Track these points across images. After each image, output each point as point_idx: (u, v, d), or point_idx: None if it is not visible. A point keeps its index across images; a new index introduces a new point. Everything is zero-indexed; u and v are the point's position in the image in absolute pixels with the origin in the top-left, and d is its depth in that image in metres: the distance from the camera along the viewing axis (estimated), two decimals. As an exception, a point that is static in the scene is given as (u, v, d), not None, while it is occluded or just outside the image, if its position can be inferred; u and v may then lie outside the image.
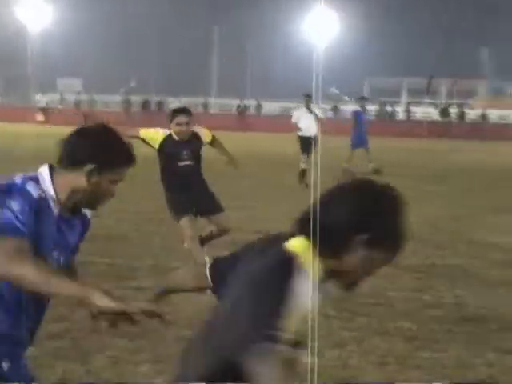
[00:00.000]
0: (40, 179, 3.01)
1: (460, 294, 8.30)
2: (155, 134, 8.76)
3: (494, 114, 58.53)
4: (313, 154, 16.26)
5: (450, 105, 62.12)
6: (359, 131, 22.07)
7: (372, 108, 58.00)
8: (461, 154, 32.52)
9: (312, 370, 2.49)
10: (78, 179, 3.00)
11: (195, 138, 8.71)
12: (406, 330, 6.95)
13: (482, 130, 49.55)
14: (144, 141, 8.68)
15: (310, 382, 2.48)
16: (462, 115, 58.34)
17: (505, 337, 6.81)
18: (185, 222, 8.63)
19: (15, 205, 2.84)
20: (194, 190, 8.69)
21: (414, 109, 63.32)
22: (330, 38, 62.64)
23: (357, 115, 22.84)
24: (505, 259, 10.31)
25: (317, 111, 18.66)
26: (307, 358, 2.61)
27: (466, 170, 24.77)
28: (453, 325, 7.15)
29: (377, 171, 20.44)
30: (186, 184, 8.71)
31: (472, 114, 59.36)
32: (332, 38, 63.77)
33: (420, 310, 7.66)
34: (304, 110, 18.88)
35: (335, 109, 57.79)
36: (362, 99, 24.80)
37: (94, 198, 3.12)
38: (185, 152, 8.60)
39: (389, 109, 60.23)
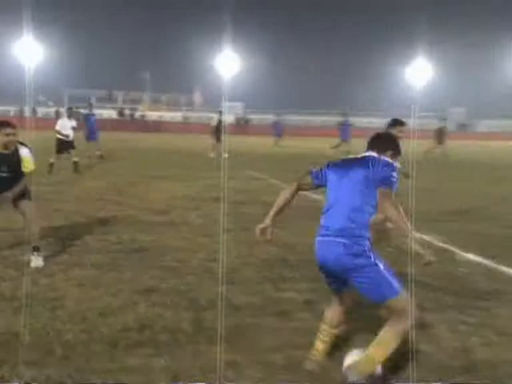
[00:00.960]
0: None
1: (134, 234, 8.30)
2: None
3: (153, 116, 60.68)
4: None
5: (124, 108, 62.84)
6: (91, 128, 21.50)
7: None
8: (134, 141, 32.87)
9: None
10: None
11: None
12: (97, 259, 6.79)
13: (146, 126, 51.27)
14: None
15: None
16: (132, 116, 59.48)
17: (164, 258, 6.97)
18: None
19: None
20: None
21: (100, 111, 63.45)
22: (40, 57, 59.96)
23: (88, 116, 22.38)
24: (163, 208, 10.58)
25: (73, 121, 17.29)
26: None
27: (139, 151, 25.04)
28: (127, 254, 7.15)
29: (101, 157, 20.30)
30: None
31: (139, 115, 61.33)
32: (42, 57, 61.14)
33: (107, 246, 7.52)
34: (65, 119, 17.30)
35: (57, 112, 56.05)
36: (89, 105, 26.08)
37: None
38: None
39: (83, 112, 59.32)
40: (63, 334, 4.61)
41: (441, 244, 7.95)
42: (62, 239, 7.81)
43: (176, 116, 62.25)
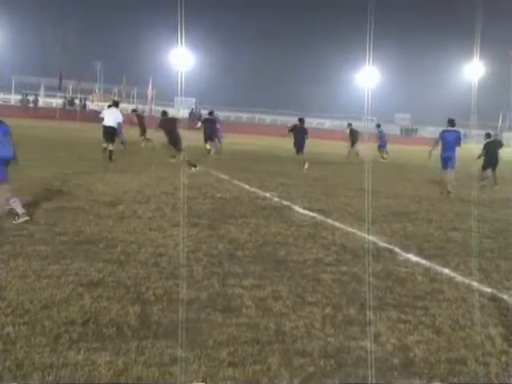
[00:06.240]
0: None
1: (80, 226, 8.09)
2: None
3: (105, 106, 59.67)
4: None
5: (74, 98, 61.66)
6: None
7: (17, 98, 58.56)
8: (83, 132, 32.01)
9: None
10: None
11: None
12: (42, 251, 6.56)
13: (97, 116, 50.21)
14: None
15: None
16: (84, 106, 58.40)
17: (111, 251, 6.81)
18: None
19: None
20: None
21: (49, 99, 62.99)
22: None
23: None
24: (111, 200, 10.33)
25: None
26: None
27: (87, 141, 24.34)
28: (73, 246, 6.94)
29: None
30: None
31: (91, 105, 60.51)
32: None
33: (53, 237, 7.29)
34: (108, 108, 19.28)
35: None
36: None
37: None
38: None
39: (31, 98, 58.26)
40: (4, 326, 4.43)
41: (385, 244, 8.08)
42: (6, 229, 7.54)
43: (127, 108, 61.27)
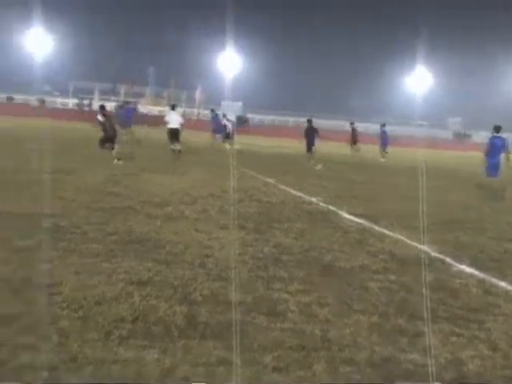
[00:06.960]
0: None
1: (131, 225, 8.23)
2: None
3: (154, 110, 61.03)
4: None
5: (128, 102, 63.07)
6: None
7: (74, 102, 60.93)
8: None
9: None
10: None
11: None
12: (94, 249, 6.73)
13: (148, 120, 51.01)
14: None
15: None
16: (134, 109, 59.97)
17: (159, 251, 6.90)
18: None
19: None
20: None
21: (103, 103, 64.68)
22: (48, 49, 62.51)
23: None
24: (160, 201, 10.49)
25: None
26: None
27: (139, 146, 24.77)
28: (123, 245, 7.07)
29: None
30: None
31: (141, 108, 62.11)
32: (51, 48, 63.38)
33: (104, 236, 7.45)
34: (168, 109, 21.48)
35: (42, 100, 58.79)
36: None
37: None
38: None
39: (86, 102, 60.27)
40: (60, 320, 4.57)
41: (436, 254, 7.91)
42: (62, 227, 7.76)
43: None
